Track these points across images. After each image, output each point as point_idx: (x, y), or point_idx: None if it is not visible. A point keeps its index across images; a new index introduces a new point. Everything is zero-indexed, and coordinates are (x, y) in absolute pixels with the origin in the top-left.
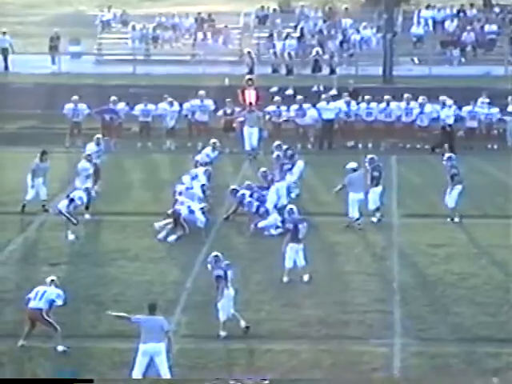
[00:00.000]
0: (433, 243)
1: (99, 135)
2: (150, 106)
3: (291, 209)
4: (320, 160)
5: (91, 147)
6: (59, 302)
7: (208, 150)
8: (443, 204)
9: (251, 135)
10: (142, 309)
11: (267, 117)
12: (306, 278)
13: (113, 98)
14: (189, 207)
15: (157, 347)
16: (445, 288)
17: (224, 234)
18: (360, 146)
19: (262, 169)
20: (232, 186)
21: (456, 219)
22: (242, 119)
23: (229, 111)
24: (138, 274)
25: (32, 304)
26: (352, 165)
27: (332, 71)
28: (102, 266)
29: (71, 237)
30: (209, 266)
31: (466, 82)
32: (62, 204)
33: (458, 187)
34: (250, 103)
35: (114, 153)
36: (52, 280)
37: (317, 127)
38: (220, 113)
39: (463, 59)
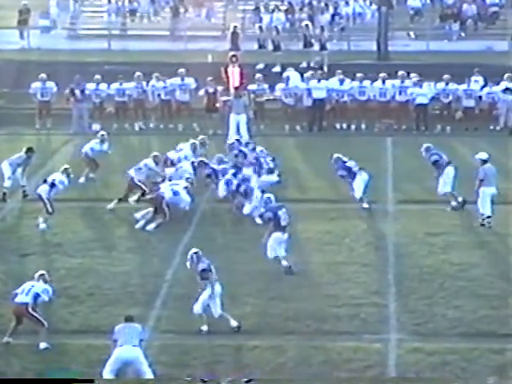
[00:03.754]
0: (431, 231)
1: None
2: (126, 85)
3: (268, 198)
4: (309, 143)
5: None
6: (45, 297)
7: (195, 147)
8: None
9: (238, 124)
10: (119, 302)
11: (251, 96)
12: (284, 263)
13: (97, 76)
14: (172, 189)
15: (133, 350)
16: (444, 280)
17: (206, 222)
18: (353, 127)
19: (219, 155)
20: (200, 159)
21: (453, 203)
22: (225, 99)
23: (211, 90)
24: (115, 265)
25: (18, 299)
26: (482, 155)
27: (322, 47)
28: (75, 257)
29: (42, 225)
30: (188, 264)
31: (466, 58)
32: (42, 189)
33: (448, 170)
34: (237, 88)
35: (88, 134)
36: (41, 275)
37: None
38: (202, 92)
39: (463, 34)
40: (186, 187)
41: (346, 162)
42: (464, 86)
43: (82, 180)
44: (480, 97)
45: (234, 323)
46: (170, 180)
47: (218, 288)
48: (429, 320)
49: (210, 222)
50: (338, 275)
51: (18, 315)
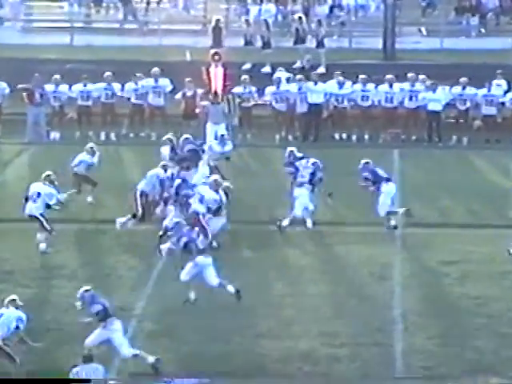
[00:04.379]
0: (444, 259)
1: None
2: (90, 86)
3: (178, 222)
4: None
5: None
6: (21, 327)
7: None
8: (456, 210)
9: (216, 134)
10: (80, 338)
11: (237, 100)
12: (230, 289)
13: (56, 76)
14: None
15: None
16: (459, 315)
17: None
18: (354, 137)
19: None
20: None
21: (392, 223)
22: (205, 103)
23: (189, 93)
24: (75, 296)
25: None
26: None
27: (319, 44)
28: (29, 287)
29: (42, 246)
30: (78, 305)
31: (487, 58)
32: (32, 207)
33: (386, 189)
34: (215, 92)
35: (46, 144)
36: (12, 300)
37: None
38: (179, 95)
39: (483, 29)
40: None
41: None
42: (484, 91)
43: (90, 199)
44: (503, 103)
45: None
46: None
47: (117, 325)
48: (441, 362)
49: None
50: (335, 309)
51: None
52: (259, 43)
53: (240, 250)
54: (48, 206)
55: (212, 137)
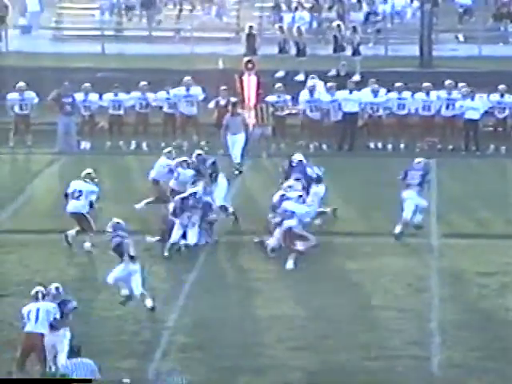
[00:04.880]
0: (483, 271)
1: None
2: (122, 96)
3: (118, 223)
4: (338, 165)
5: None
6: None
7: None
8: (494, 221)
9: (234, 144)
10: (111, 353)
11: (270, 109)
12: (148, 303)
13: (87, 85)
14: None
15: None
16: (499, 328)
17: (216, 257)
18: (390, 147)
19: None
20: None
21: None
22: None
23: (223, 102)
24: (106, 308)
25: (29, 327)
26: None
27: (355, 51)
28: None
29: (88, 245)
30: None
31: None
32: (76, 205)
33: (315, 190)
34: (234, 104)
35: (77, 154)
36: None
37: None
38: (212, 104)
39: None
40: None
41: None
42: None
43: (139, 206)
44: None
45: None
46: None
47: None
48: (481, 376)
49: (221, 256)
50: (371, 322)
51: (29, 347)
52: (293, 51)
53: (278, 263)
54: (91, 205)
55: (232, 149)
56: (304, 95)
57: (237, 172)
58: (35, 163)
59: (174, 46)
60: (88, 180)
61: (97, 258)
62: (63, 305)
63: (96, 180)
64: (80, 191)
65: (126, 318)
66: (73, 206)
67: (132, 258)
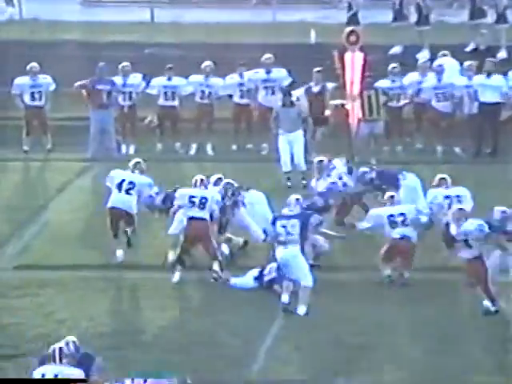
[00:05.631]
0: None
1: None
2: (177, 80)
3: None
4: (477, 174)
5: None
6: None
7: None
8: None
9: (291, 144)
10: None
11: (382, 98)
12: None
13: (125, 64)
14: None
15: None
16: None
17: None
18: None
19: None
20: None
21: None
22: (338, 102)
23: (316, 89)
24: None
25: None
26: None
27: (500, 17)
28: None
29: (119, 253)
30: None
31: None
32: (128, 201)
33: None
34: (287, 92)
35: (116, 160)
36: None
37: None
38: (300, 92)
39: None
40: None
41: None
42: None
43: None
44: None
45: None
46: None
47: None
48: None
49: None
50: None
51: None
52: (413, 18)
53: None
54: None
55: (287, 152)
56: (430, 80)
57: (304, 182)
58: (59, 173)
59: (249, 11)
60: (137, 171)
61: (142, 296)
62: (86, 365)
63: (144, 171)
64: (131, 183)
65: None
66: (120, 201)
67: None
